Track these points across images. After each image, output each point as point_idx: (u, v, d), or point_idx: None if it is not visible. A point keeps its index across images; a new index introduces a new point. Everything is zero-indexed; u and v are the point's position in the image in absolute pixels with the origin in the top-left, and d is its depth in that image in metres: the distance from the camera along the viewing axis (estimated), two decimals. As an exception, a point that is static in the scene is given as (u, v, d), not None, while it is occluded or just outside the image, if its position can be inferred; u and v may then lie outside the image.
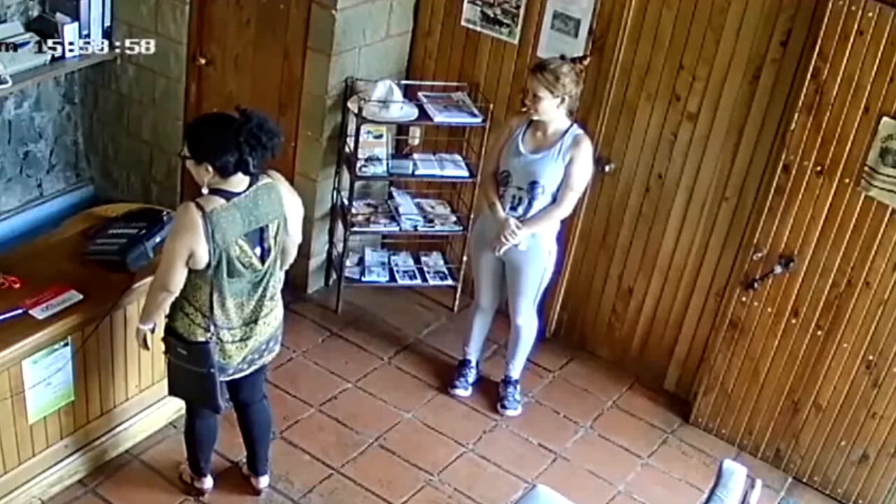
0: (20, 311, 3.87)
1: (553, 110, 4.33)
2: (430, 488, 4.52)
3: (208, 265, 3.61)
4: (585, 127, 4.91)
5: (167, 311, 3.79)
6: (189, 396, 4.03)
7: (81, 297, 3.97)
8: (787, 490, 4.77)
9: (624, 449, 4.88)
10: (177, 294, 3.70)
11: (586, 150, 4.40)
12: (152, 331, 3.86)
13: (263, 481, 4.35)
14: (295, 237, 3.92)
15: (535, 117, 4.37)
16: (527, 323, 4.82)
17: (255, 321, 3.81)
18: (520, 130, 4.47)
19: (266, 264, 3.74)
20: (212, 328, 3.73)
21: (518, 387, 4.99)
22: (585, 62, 4.54)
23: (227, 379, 3.93)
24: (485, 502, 4.49)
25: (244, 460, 4.38)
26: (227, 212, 3.59)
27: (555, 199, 4.45)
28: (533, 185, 4.41)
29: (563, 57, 4.42)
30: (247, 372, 3.96)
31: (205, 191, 3.61)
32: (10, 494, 4.02)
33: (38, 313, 3.87)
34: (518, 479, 4.62)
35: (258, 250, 3.70)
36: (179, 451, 4.28)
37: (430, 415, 4.91)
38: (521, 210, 4.47)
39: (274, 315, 3.90)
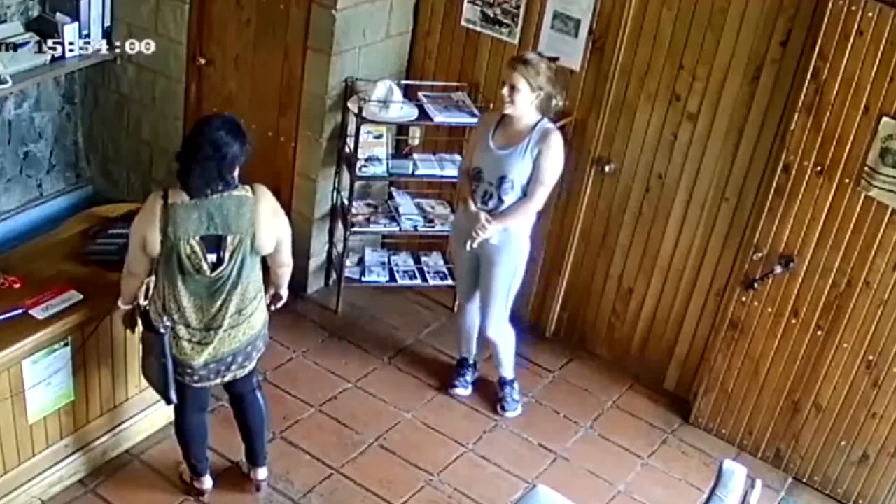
0: (20, 311, 3.87)
1: (527, 105, 4.33)
2: (430, 488, 4.52)
3: (161, 255, 3.66)
4: (584, 127, 4.93)
5: (144, 295, 3.85)
6: (150, 381, 4.04)
7: (81, 297, 3.98)
8: (787, 490, 4.77)
9: (624, 449, 4.88)
10: (141, 277, 3.80)
11: (555, 143, 4.39)
12: (134, 312, 3.89)
13: (262, 473, 4.35)
14: (283, 260, 3.91)
15: (509, 111, 4.37)
16: (499, 336, 4.80)
17: (216, 329, 3.79)
18: (491, 127, 4.48)
19: (216, 273, 3.70)
20: (169, 320, 3.76)
21: (515, 385, 4.99)
22: (556, 62, 4.55)
23: (197, 386, 3.93)
24: (485, 502, 4.49)
25: (244, 459, 4.38)
26: (186, 208, 3.62)
27: (525, 194, 4.45)
28: (501, 179, 4.41)
29: (540, 54, 4.46)
30: (215, 382, 3.96)
31: None
32: (10, 494, 4.02)
33: (38, 313, 3.88)
34: (518, 479, 4.62)
35: (212, 257, 3.68)
36: (179, 451, 4.27)
37: (430, 415, 4.91)
38: (491, 205, 4.47)
39: (242, 330, 3.85)
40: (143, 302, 3.85)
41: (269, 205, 3.77)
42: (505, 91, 4.33)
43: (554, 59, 4.47)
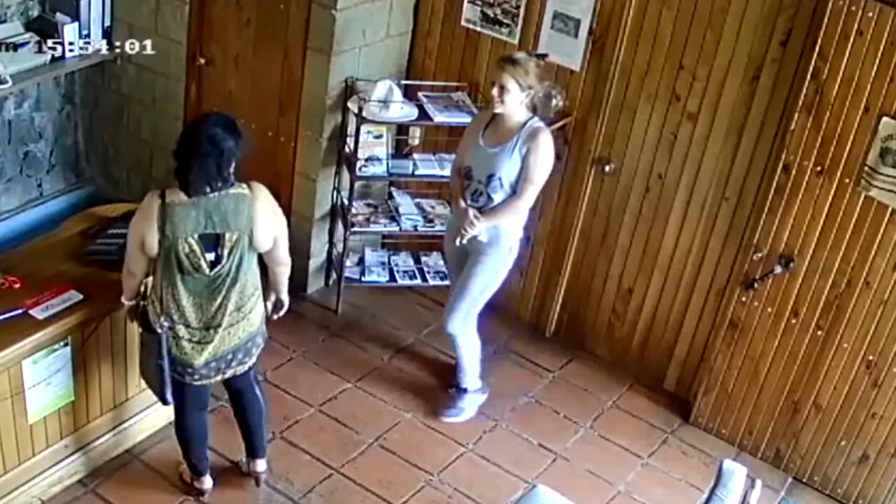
0: (20, 311, 3.87)
1: (517, 104, 4.32)
2: (430, 488, 4.52)
3: (160, 255, 3.66)
4: (584, 127, 4.93)
5: (144, 293, 3.87)
6: (147, 381, 4.05)
7: (81, 297, 3.98)
8: (787, 490, 4.77)
9: (624, 449, 4.88)
10: (139, 277, 3.81)
11: (544, 142, 4.36)
12: (138, 307, 3.90)
13: (261, 465, 4.35)
14: (280, 258, 3.92)
15: (499, 110, 4.35)
16: (459, 333, 4.71)
17: (216, 328, 3.80)
18: (482, 125, 4.48)
19: (215, 272, 3.71)
20: (167, 321, 3.76)
21: (466, 397, 4.89)
22: (546, 60, 4.53)
23: (197, 384, 3.93)
24: (485, 502, 4.49)
25: (244, 459, 4.38)
26: (183, 207, 3.62)
27: (515, 193, 4.42)
28: (490, 177, 4.40)
29: (529, 52, 4.45)
30: (215, 379, 3.96)
31: None
32: (10, 494, 4.02)
33: (38, 313, 3.88)
34: (518, 479, 4.62)
35: (210, 255, 3.69)
36: (179, 451, 4.27)
37: (430, 415, 4.91)
38: (481, 202, 4.45)
39: (242, 328, 3.86)
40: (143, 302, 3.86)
41: (267, 202, 3.78)
42: (494, 91, 4.32)
43: (543, 57, 4.46)
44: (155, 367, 3.85)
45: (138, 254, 3.71)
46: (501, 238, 4.51)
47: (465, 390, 4.91)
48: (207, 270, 3.69)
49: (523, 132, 4.36)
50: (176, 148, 3.66)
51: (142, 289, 3.86)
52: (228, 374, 3.97)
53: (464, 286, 4.64)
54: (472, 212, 4.44)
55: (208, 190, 3.63)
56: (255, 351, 4.01)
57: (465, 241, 4.48)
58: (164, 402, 3.97)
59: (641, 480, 4.72)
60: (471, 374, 4.89)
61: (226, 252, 3.70)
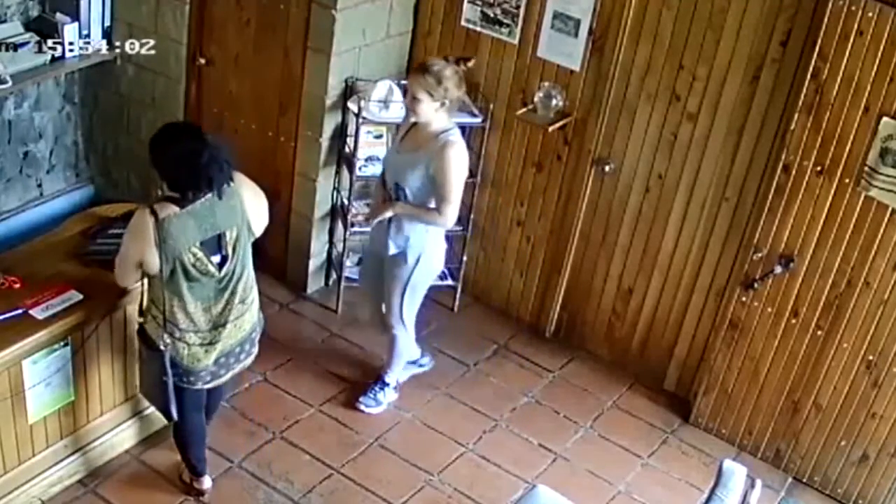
0: (20, 311, 3.87)
1: (432, 113, 4.22)
2: (430, 488, 4.52)
3: (162, 271, 3.62)
4: (584, 127, 4.93)
5: (141, 310, 3.86)
6: (149, 398, 4.05)
7: (81, 297, 3.97)
8: (787, 490, 4.77)
9: (624, 449, 4.88)
10: (132, 289, 3.82)
11: (452, 157, 4.23)
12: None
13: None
14: (262, 229, 3.93)
15: (413, 119, 4.30)
16: (399, 334, 4.73)
17: (224, 324, 3.80)
18: (405, 129, 4.43)
19: (224, 271, 3.71)
20: (176, 332, 3.73)
21: (386, 390, 4.88)
22: (470, 64, 4.42)
23: (207, 387, 3.93)
24: (485, 502, 4.49)
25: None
26: (179, 220, 3.58)
27: (422, 204, 4.35)
28: (396, 185, 4.36)
29: (447, 58, 4.35)
30: (225, 378, 3.96)
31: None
32: (10, 494, 4.03)
33: (38, 313, 3.87)
34: (518, 479, 4.62)
35: (216, 258, 3.69)
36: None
37: (430, 415, 4.91)
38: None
39: (246, 319, 3.87)
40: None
41: (250, 188, 3.80)
42: (406, 100, 4.26)
43: (465, 60, 4.32)
44: (160, 385, 3.83)
45: (132, 272, 3.71)
46: (408, 252, 4.44)
47: (386, 384, 4.89)
48: (216, 272, 3.69)
49: (435, 146, 4.24)
50: (179, 168, 3.59)
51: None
52: (237, 368, 3.97)
53: (386, 299, 4.66)
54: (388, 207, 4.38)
55: (227, 188, 3.63)
56: (257, 338, 4.02)
57: (373, 220, 4.45)
58: (169, 419, 3.97)
59: (641, 480, 4.72)
60: (396, 370, 4.88)
61: (230, 249, 3.70)
